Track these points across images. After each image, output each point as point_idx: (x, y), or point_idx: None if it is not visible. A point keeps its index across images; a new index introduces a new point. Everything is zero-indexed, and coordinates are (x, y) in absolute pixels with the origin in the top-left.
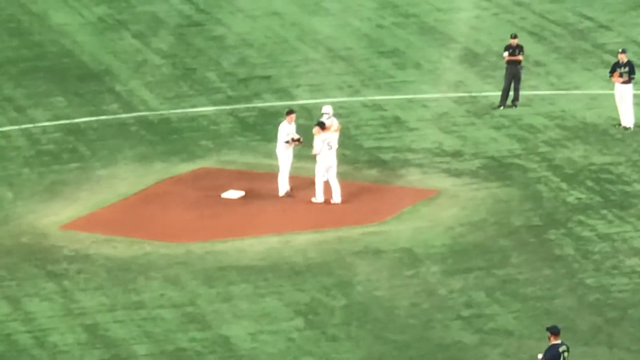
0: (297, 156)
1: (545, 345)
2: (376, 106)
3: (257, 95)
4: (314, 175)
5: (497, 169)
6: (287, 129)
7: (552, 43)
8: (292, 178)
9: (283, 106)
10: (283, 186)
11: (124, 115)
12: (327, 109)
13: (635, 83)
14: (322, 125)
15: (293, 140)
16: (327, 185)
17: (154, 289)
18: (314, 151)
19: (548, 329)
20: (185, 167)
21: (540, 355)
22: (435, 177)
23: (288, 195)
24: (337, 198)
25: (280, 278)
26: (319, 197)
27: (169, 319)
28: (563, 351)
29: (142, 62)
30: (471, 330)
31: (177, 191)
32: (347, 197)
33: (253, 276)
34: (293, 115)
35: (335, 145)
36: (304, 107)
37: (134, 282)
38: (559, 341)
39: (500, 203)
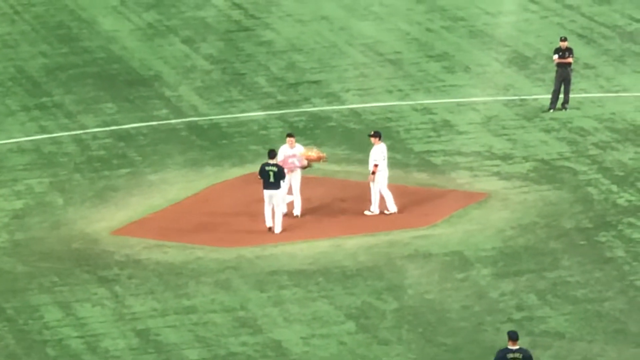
0: (347, 160)
1: (596, 347)
2: (426, 110)
3: (306, 100)
4: (362, 180)
5: (547, 172)
6: (285, 152)
7: (601, 45)
8: (341, 182)
9: (332, 110)
10: (297, 205)
11: (173, 121)
12: None
13: None
14: (380, 135)
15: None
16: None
17: (205, 293)
18: (374, 161)
19: (507, 334)
20: (235, 172)
21: None
22: (485, 180)
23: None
24: (392, 207)
25: (331, 282)
26: (376, 209)
27: (220, 324)
28: (513, 357)
29: (191, 67)
30: (522, 333)
31: (228, 196)
32: (397, 201)
33: (304, 280)
34: (291, 139)
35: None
36: (353, 112)
37: (185, 287)
38: (515, 347)
39: (550, 206)
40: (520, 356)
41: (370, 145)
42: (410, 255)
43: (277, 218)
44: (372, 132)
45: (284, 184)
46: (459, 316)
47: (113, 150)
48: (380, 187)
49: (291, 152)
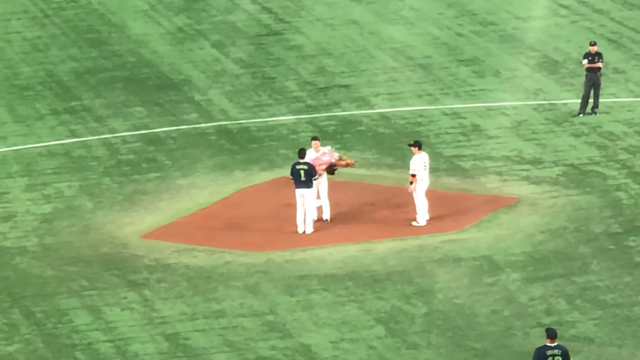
0: (377, 164)
1: (626, 352)
2: (455, 114)
3: (336, 104)
4: (392, 185)
5: (577, 177)
6: (311, 156)
7: (631, 50)
8: (370, 186)
9: (362, 115)
10: (326, 210)
11: (203, 125)
12: None
13: None
14: (419, 145)
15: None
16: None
17: (234, 297)
18: (412, 171)
19: (545, 331)
20: (264, 176)
21: None
22: (515, 185)
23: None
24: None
25: (360, 286)
26: (423, 219)
27: (249, 328)
28: (552, 354)
29: (221, 71)
30: None
31: (257, 200)
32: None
33: (333, 284)
34: (316, 142)
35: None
36: (383, 116)
37: (215, 291)
38: (553, 344)
39: (580, 210)
40: (559, 352)
41: (409, 153)
42: (440, 260)
43: (308, 218)
44: (412, 142)
45: (314, 187)
46: (488, 321)
47: (142, 154)
48: (417, 196)
49: (316, 156)
